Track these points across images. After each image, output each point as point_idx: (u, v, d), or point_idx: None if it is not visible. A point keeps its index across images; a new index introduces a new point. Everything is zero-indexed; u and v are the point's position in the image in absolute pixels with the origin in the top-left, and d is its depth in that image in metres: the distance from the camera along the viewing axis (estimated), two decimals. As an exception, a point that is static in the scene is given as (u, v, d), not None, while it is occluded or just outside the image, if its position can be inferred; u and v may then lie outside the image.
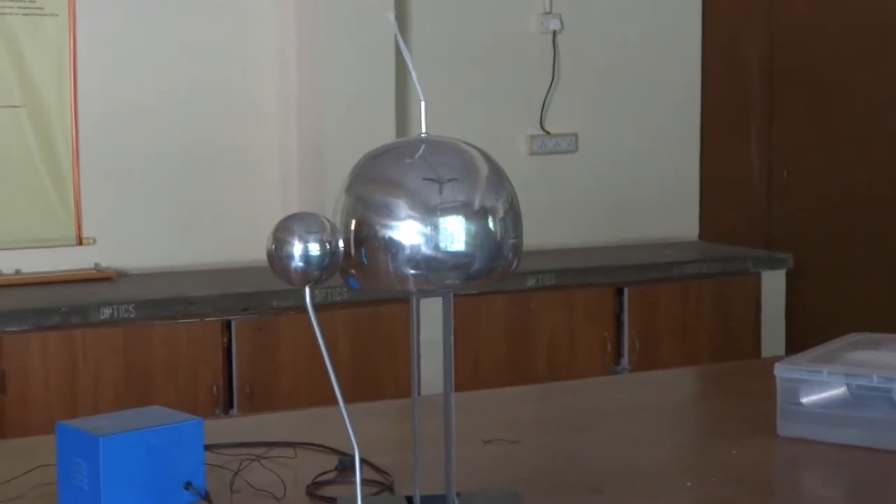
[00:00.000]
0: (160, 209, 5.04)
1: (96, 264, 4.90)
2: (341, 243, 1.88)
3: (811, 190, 5.60)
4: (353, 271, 1.91)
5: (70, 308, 4.33)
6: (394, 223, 1.85)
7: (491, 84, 5.53)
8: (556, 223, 5.64)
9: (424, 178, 1.87)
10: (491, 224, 1.89)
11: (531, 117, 5.60)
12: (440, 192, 1.86)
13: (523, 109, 5.59)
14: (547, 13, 5.59)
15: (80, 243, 4.88)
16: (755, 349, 5.28)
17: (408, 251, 1.85)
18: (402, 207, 1.86)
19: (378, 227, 1.86)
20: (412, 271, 1.86)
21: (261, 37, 5.16)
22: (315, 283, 1.87)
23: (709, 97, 5.93)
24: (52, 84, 4.80)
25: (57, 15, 4.80)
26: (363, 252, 1.87)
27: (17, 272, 4.77)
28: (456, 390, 4.95)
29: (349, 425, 1.92)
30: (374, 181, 1.91)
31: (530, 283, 4.98)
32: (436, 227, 1.85)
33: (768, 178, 5.73)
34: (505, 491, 2.25)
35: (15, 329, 4.24)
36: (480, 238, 1.87)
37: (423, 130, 1.97)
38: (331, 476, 2.38)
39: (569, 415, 2.98)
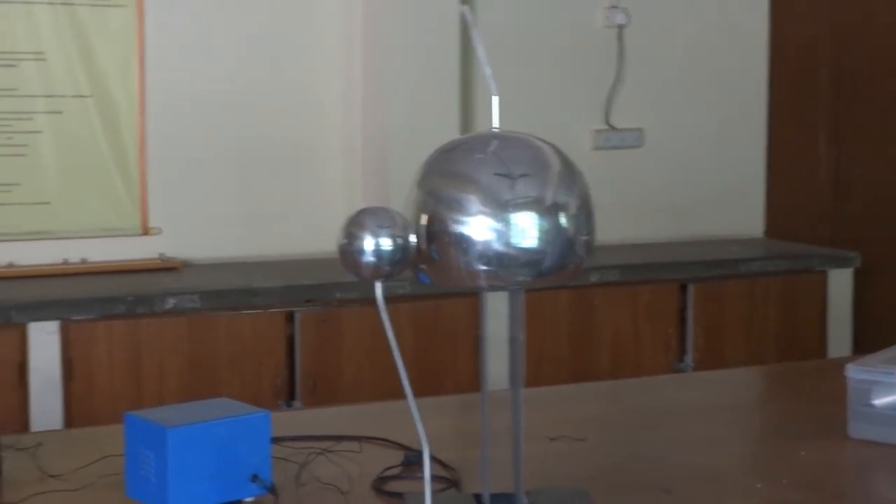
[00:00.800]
0: (226, 200, 5.06)
1: (161, 254, 4.92)
2: (413, 238, 1.87)
3: (880, 187, 5.53)
4: (423, 266, 1.90)
5: (135, 297, 4.35)
6: (465, 218, 1.84)
7: (556, 78, 5.50)
8: (621, 218, 5.59)
9: (496, 174, 1.86)
10: (563, 220, 1.87)
11: (596, 112, 5.57)
12: (512, 187, 1.85)
13: (588, 104, 5.56)
14: (613, 7, 5.55)
15: (146, 233, 4.91)
16: (821, 349, 5.23)
17: (479, 247, 1.84)
18: (474, 203, 1.84)
19: (449, 222, 1.84)
20: (483, 267, 1.85)
21: (326, 29, 5.16)
22: (386, 278, 1.87)
23: (776, 93, 5.87)
24: (120, 74, 4.83)
25: (125, 6, 4.82)
26: (434, 247, 1.86)
27: (84, 261, 4.80)
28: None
29: (418, 421, 1.91)
30: (445, 176, 1.89)
31: (594, 278, 4.95)
32: (507, 223, 1.83)
33: (836, 175, 5.66)
34: (573, 489, 2.23)
35: (81, 318, 4.26)
36: (552, 234, 1.86)
37: (495, 125, 1.95)
38: (396, 471, 2.37)
39: (635, 413, 2.95)
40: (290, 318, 4.53)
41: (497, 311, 4.79)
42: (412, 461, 2.42)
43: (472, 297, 4.76)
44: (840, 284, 5.29)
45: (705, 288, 5.12)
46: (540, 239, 1.85)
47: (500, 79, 5.55)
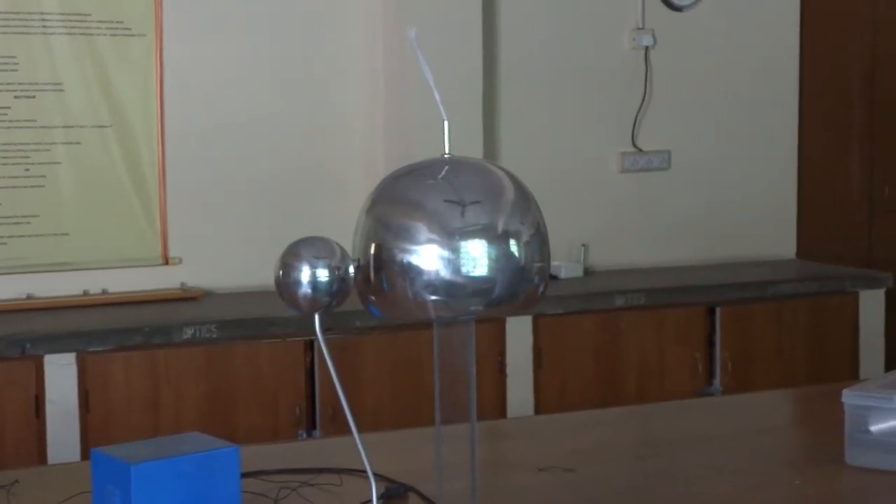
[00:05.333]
0: (247, 228, 5.03)
1: (182, 284, 4.90)
2: (352, 269, 1.82)
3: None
4: (373, 298, 1.84)
5: (152, 328, 4.33)
6: (413, 247, 1.78)
7: (582, 101, 5.45)
8: (648, 242, 5.54)
9: (446, 201, 1.80)
10: (514, 248, 1.80)
11: (623, 134, 5.51)
12: (462, 214, 1.79)
13: (615, 126, 5.50)
14: (639, 29, 5.49)
15: (167, 263, 4.89)
16: (853, 371, 5.14)
17: (427, 276, 1.78)
18: (422, 231, 1.78)
19: (396, 251, 1.79)
20: (432, 297, 1.79)
21: (347, 57, 5.13)
22: (325, 310, 1.82)
23: (807, 112, 5.79)
24: (139, 104, 4.82)
25: (144, 35, 4.82)
26: (383, 277, 1.81)
27: (104, 292, 4.80)
28: (542, 412, 4.88)
29: (365, 458, 1.86)
30: (394, 203, 1.84)
31: (619, 302, 4.90)
32: (456, 252, 1.77)
33: (869, 194, 5.56)
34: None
35: (97, 349, 4.25)
36: (503, 262, 1.79)
37: (447, 151, 1.90)
38: (373, 505, 2.32)
39: (634, 442, 2.90)
40: (309, 346, 4.50)
41: (519, 338, 4.75)
42: (392, 495, 2.38)
43: (498, 322, 4.73)
44: (872, 305, 5.20)
45: (733, 311, 5.05)
46: (490, 267, 1.79)
47: (525, 103, 5.51)
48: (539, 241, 1.84)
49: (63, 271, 4.75)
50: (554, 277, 5.05)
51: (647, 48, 5.50)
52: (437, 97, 1.83)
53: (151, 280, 4.88)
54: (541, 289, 1.85)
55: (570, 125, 5.43)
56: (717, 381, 5.00)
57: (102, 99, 4.77)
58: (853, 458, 2.50)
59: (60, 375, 4.20)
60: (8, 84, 4.65)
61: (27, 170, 4.69)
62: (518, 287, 1.81)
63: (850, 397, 2.51)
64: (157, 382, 4.32)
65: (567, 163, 5.41)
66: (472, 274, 1.78)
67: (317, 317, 1.84)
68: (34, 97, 4.69)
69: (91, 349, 4.25)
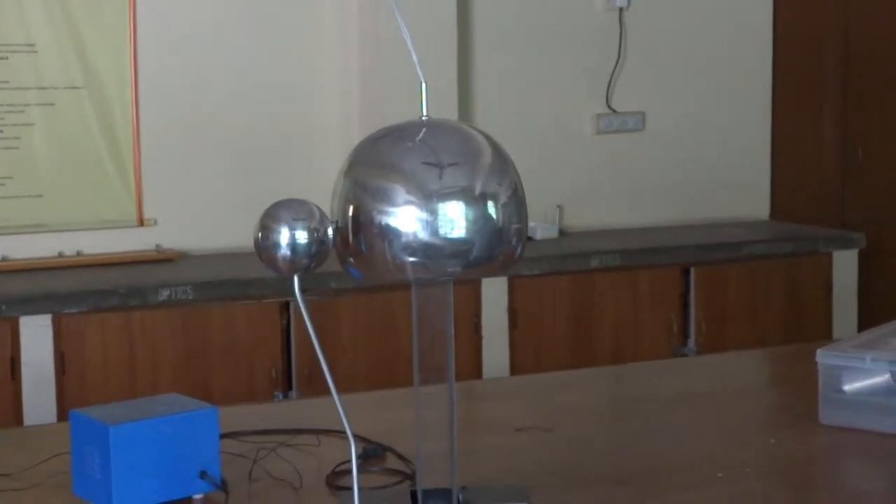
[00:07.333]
0: (222, 190, 5.03)
1: (157, 245, 4.90)
2: (330, 231, 1.83)
3: (887, 168, 5.45)
4: (351, 259, 1.85)
5: (128, 290, 4.33)
6: (391, 209, 1.79)
7: (556, 62, 5.44)
8: (623, 203, 5.55)
9: (424, 163, 1.81)
10: (492, 210, 1.81)
11: (597, 96, 5.51)
12: (440, 176, 1.79)
13: (589, 88, 5.50)
14: (613, -11, 5.49)
15: (142, 224, 4.89)
16: (826, 331, 5.17)
17: (405, 238, 1.79)
18: (400, 192, 1.79)
19: (375, 212, 1.79)
20: (410, 259, 1.80)
21: (323, 20, 5.12)
22: (304, 272, 1.83)
23: (781, 74, 5.79)
24: (113, 65, 4.81)
25: (117, -4, 4.81)
26: (361, 239, 1.81)
27: (79, 254, 4.79)
28: (518, 373, 4.89)
29: (344, 419, 1.87)
30: (372, 165, 1.84)
31: (594, 263, 4.91)
32: (434, 213, 1.78)
33: (843, 156, 5.58)
34: (511, 485, 2.16)
35: (73, 311, 4.25)
36: (480, 224, 1.80)
37: (425, 113, 1.90)
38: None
39: (611, 402, 2.92)
40: (285, 308, 4.50)
41: (494, 300, 4.76)
42: (370, 455, 2.39)
43: (474, 283, 4.73)
44: (845, 266, 5.23)
45: (707, 272, 5.07)
46: (468, 229, 1.79)
47: (499, 65, 5.50)
48: (516, 202, 1.85)
49: (38, 233, 4.75)
50: (529, 238, 5.05)
51: (621, 9, 5.50)
52: (415, 58, 1.83)
53: (127, 242, 4.87)
54: (518, 250, 1.86)
55: (544, 87, 5.43)
56: (691, 342, 5.02)
57: (76, 60, 4.75)
58: (827, 417, 2.52)
59: (36, 338, 4.20)
60: (-20, 46, 4.64)
61: (1, 131, 4.67)
62: (496, 248, 1.82)
63: (823, 357, 2.53)
64: (132, 344, 4.32)
65: (542, 124, 5.41)
66: (450, 236, 1.79)
67: (296, 279, 1.84)
68: (7, 58, 4.67)
69: (66, 311, 4.24)
